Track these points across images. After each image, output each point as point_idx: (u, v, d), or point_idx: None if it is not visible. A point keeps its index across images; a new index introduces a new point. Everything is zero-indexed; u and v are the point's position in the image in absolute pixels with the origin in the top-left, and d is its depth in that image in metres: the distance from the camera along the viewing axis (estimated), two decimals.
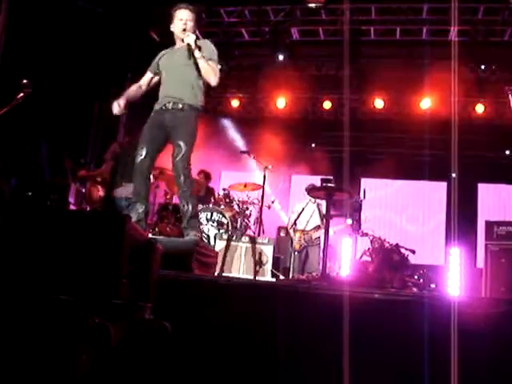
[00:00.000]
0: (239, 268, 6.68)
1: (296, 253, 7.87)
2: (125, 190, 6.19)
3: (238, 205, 7.78)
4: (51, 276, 2.05)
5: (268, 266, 6.74)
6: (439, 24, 9.47)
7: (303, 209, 8.00)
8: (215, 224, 7.42)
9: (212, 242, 7.09)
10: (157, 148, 4.59)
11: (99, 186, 6.73)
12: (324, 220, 6.96)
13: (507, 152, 10.72)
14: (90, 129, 8.98)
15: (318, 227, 7.87)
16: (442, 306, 3.05)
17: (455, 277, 8.23)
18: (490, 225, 6.29)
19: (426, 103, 10.20)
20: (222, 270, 6.43)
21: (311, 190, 6.35)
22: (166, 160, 5.41)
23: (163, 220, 7.26)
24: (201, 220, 6.88)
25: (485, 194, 11.01)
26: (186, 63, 4.50)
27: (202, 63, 4.46)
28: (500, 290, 5.87)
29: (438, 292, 7.77)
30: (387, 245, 7.19)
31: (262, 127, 10.67)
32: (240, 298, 3.21)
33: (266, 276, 6.65)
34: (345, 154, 10.76)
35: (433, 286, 7.93)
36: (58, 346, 1.79)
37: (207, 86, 4.66)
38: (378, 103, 10.42)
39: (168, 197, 7.48)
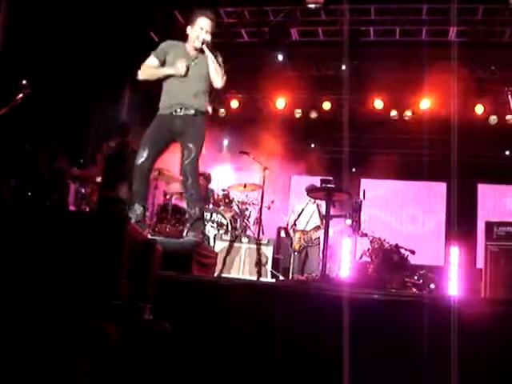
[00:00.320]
0: (239, 269, 6.69)
1: (296, 253, 7.87)
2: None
3: (237, 205, 7.77)
4: (51, 276, 2.05)
5: (268, 267, 6.75)
6: (439, 24, 9.47)
7: (303, 209, 8.00)
8: (215, 225, 7.42)
9: (212, 243, 7.09)
10: (159, 151, 4.62)
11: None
12: (324, 220, 6.96)
13: (507, 152, 10.72)
14: (89, 129, 8.98)
15: (317, 228, 7.87)
16: (441, 307, 3.05)
17: (455, 277, 8.23)
18: (489, 225, 6.27)
19: (425, 104, 10.20)
20: (221, 271, 6.43)
21: (311, 191, 6.35)
22: (165, 161, 5.41)
23: (163, 221, 7.26)
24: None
25: (484, 195, 11.01)
26: (202, 73, 4.55)
27: (213, 63, 4.51)
28: (500, 290, 5.86)
29: (438, 292, 7.78)
30: (387, 245, 7.19)
31: (262, 128, 10.66)
32: (240, 298, 3.21)
33: (266, 277, 6.65)
34: (344, 154, 10.77)
35: (432, 286, 7.93)
36: (58, 347, 1.79)
37: (210, 89, 4.69)
38: (378, 104, 10.43)
39: (167, 197, 7.48)
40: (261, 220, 7.47)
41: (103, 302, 2.05)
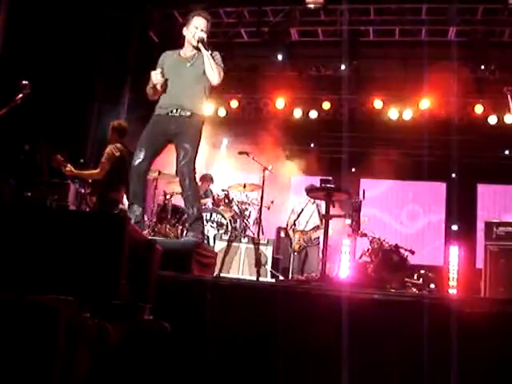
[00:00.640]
0: (239, 269, 6.69)
1: (295, 253, 7.86)
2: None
3: (237, 205, 7.78)
4: (51, 276, 2.05)
5: (267, 267, 6.75)
6: (438, 24, 9.48)
7: (302, 209, 8.00)
8: (214, 225, 7.42)
9: (211, 243, 7.09)
10: (155, 152, 4.63)
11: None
12: (323, 220, 6.96)
13: (506, 152, 10.72)
14: (89, 129, 8.98)
15: (317, 227, 7.87)
16: (441, 307, 3.06)
17: (454, 277, 8.23)
18: (489, 225, 6.28)
19: (425, 103, 10.19)
20: (220, 271, 6.43)
21: (311, 191, 6.35)
22: (164, 161, 5.41)
23: (162, 221, 7.25)
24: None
25: (484, 195, 11.01)
26: (198, 73, 4.56)
27: (209, 61, 4.50)
28: (499, 290, 5.86)
29: (438, 292, 7.78)
30: (386, 245, 7.19)
31: (261, 128, 10.66)
32: (239, 298, 3.21)
33: (266, 277, 6.65)
34: (344, 154, 10.78)
35: (432, 286, 7.94)
36: (58, 347, 1.79)
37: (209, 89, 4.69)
38: (377, 103, 10.42)
39: (167, 198, 7.48)
40: (260, 220, 7.48)
41: (103, 302, 2.06)
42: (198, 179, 6.30)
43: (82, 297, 1.97)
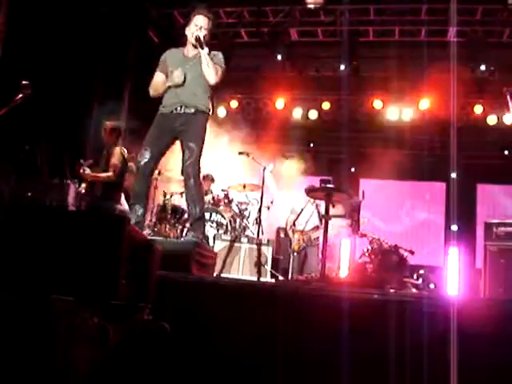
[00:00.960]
0: (238, 269, 6.69)
1: (295, 253, 7.86)
2: None
3: (237, 205, 7.78)
4: (51, 276, 2.05)
5: (267, 267, 6.75)
6: (438, 25, 9.48)
7: (302, 209, 8.00)
8: (214, 225, 7.42)
9: (211, 243, 7.09)
10: (161, 151, 4.63)
11: None
12: (323, 220, 6.96)
13: (506, 152, 10.72)
14: (88, 129, 8.97)
15: (316, 228, 7.87)
16: (441, 307, 3.06)
17: (454, 277, 8.23)
18: (489, 225, 6.28)
19: (424, 104, 10.20)
20: (220, 271, 6.43)
21: (310, 191, 6.35)
22: (164, 161, 5.41)
23: (162, 221, 7.26)
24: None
25: (484, 195, 11.01)
26: (200, 71, 4.56)
27: (205, 59, 4.52)
28: (499, 290, 5.87)
29: (437, 293, 7.79)
30: (386, 246, 7.19)
31: (261, 128, 10.67)
32: (239, 299, 3.21)
33: (266, 277, 6.65)
34: (344, 154, 10.78)
35: (432, 286, 7.94)
36: (58, 346, 1.79)
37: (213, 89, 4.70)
38: (377, 104, 10.42)
39: (167, 198, 7.48)
40: (260, 220, 7.48)
41: (103, 303, 2.06)
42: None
43: (81, 297, 1.97)
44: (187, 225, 4.79)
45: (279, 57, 10.01)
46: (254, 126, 10.84)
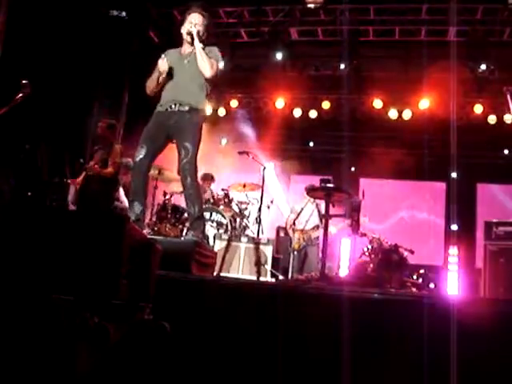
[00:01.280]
0: (238, 268, 6.70)
1: (295, 253, 7.86)
2: None
3: (237, 205, 7.78)
4: (51, 276, 2.06)
5: (267, 266, 6.75)
6: (438, 24, 9.48)
7: (302, 209, 8.00)
8: (214, 224, 7.43)
9: (211, 242, 7.09)
10: (157, 149, 4.63)
11: None
12: (323, 220, 6.97)
13: (506, 152, 10.73)
14: (88, 129, 8.98)
15: (317, 227, 7.87)
16: (440, 306, 3.06)
17: (454, 277, 8.24)
18: (488, 225, 6.29)
19: (424, 103, 10.19)
20: (220, 270, 6.43)
21: (310, 190, 6.36)
22: (164, 160, 5.42)
23: (162, 220, 7.26)
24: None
25: (484, 194, 11.02)
26: (195, 68, 4.56)
27: (199, 53, 4.53)
28: (499, 290, 5.88)
29: (437, 292, 7.79)
30: (386, 245, 7.19)
31: (261, 127, 10.67)
32: (239, 298, 3.22)
33: (266, 276, 6.66)
34: (344, 154, 10.79)
35: (432, 286, 7.95)
36: (58, 346, 1.79)
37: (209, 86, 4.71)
38: (377, 103, 10.42)
39: (167, 197, 7.48)
40: (260, 219, 7.48)
41: (103, 302, 2.06)
42: (198, 178, 6.32)
43: (82, 296, 1.97)
44: (187, 224, 4.80)
45: (279, 56, 10.01)
46: (254, 125, 10.85)
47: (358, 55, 9.88)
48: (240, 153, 8.17)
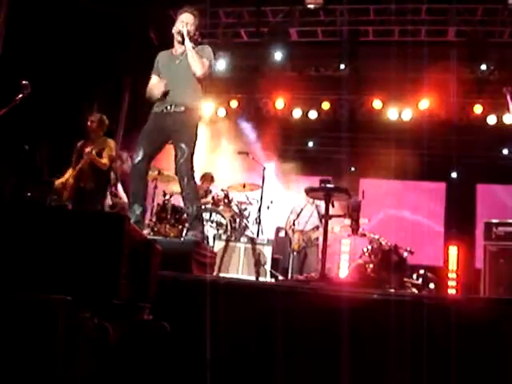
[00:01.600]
0: (238, 268, 6.69)
1: (295, 253, 7.87)
2: None
3: (236, 205, 7.78)
4: (51, 276, 2.06)
5: (267, 267, 6.75)
6: (437, 25, 9.48)
7: (302, 209, 8.00)
8: (214, 224, 7.42)
9: (211, 243, 7.09)
10: (154, 150, 4.66)
11: None
12: (323, 220, 6.96)
13: (505, 152, 10.73)
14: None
15: (316, 228, 7.87)
16: (440, 307, 3.06)
17: (454, 277, 8.24)
18: (488, 225, 6.29)
19: (424, 104, 10.19)
20: (219, 271, 6.43)
21: (310, 191, 6.36)
22: (164, 161, 5.42)
23: (162, 221, 7.26)
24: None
25: (483, 195, 11.02)
26: (187, 68, 4.57)
27: (190, 52, 4.55)
28: (499, 290, 5.88)
29: (437, 293, 7.79)
30: (386, 245, 7.20)
31: (261, 128, 10.67)
32: (239, 298, 3.22)
33: (265, 277, 6.65)
34: (343, 154, 10.78)
35: (432, 286, 7.95)
36: (57, 346, 1.79)
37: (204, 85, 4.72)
38: (377, 104, 10.42)
39: (167, 197, 7.48)
40: (260, 220, 7.48)
41: (103, 302, 2.06)
42: (198, 179, 6.34)
43: (81, 297, 1.97)
44: (187, 224, 4.81)
45: (279, 57, 10.00)
46: (254, 125, 10.85)
47: (357, 55, 9.88)
48: (239, 153, 8.18)
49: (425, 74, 9.41)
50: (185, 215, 6.79)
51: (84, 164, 6.26)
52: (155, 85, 4.69)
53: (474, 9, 9.04)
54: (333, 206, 5.92)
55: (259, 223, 7.47)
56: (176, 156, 4.51)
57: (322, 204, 6.90)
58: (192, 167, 4.53)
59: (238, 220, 7.62)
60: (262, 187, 7.52)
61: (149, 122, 4.69)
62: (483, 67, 9.45)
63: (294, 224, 7.99)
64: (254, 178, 8.38)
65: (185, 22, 4.65)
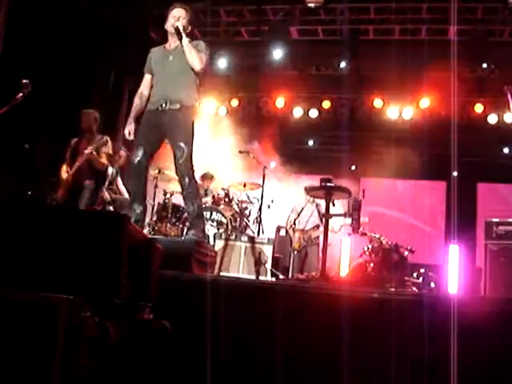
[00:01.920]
0: (238, 268, 6.69)
1: (295, 252, 7.86)
2: None
3: (237, 204, 7.77)
4: (52, 275, 2.06)
5: (267, 266, 6.75)
6: (438, 23, 9.47)
7: (302, 208, 7.99)
8: (214, 223, 7.42)
9: (211, 242, 7.09)
10: (153, 148, 4.66)
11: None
12: (323, 219, 6.96)
13: (506, 151, 10.72)
14: None
15: (317, 226, 7.87)
16: (441, 306, 3.06)
17: (454, 276, 8.22)
18: (489, 224, 6.29)
19: (425, 102, 10.19)
20: (219, 270, 6.43)
21: (311, 190, 6.35)
22: (164, 160, 5.42)
23: (162, 220, 7.26)
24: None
25: (484, 193, 11.01)
26: (182, 64, 4.57)
27: (187, 47, 4.53)
28: (499, 289, 5.87)
29: (438, 291, 7.78)
30: (386, 244, 7.19)
31: (261, 127, 10.66)
32: (240, 297, 3.21)
33: (266, 276, 6.65)
34: (344, 153, 10.77)
35: (432, 285, 7.94)
36: (58, 346, 1.79)
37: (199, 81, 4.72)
38: (377, 102, 10.41)
39: (167, 196, 7.48)
40: (261, 219, 7.48)
41: (104, 301, 2.06)
42: (198, 178, 6.34)
43: (82, 296, 1.97)
44: (187, 223, 4.81)
45: (279, 55, 10.00)
46: (254, 124, 10.84)
47: (358, 54, 9.87)
48: (240, 152, 8.18)
49: (425, 72, 9.40)
50: (185, 214, 6.80)
51: (82, 163, 6.24)
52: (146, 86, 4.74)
53: (475, 8, 9.03)
54: (333, 204, 5.92)
55: (260, 222, 7.47)
56: (175, 156, 4.49)
57: (322, 203, 6.90)
58: (192, 166, 4.52)
59: (238, 219, 7.62)
60: (263, 186, 7.51)
61: (144, 120, 4.67)
62: (484, 66, 9.45)
63: (294, 223, 7.98)
64: (254, 177, 8.37)
65: (177, 16, 4.63)
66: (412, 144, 10.53)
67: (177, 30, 4.56)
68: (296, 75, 10.50)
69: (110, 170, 6.81)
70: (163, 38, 4.86)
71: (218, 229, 7.36)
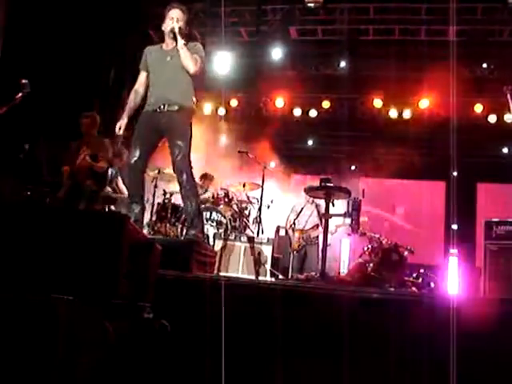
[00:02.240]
0: (238, 268, 6.69)
1: (295, 252, 7.86)
2: None
3: (236, 204, 7.78)
4: (51, 275, 2.06)
5: (267, 266, 6.75)
6: (438, 24, 9.47)
7: (302, 208, 8.00)
8: (214, 223, 7.42)
9: (211, 242, 7.09)
10: (150, 149, 4.67)
11: None
12: (323, 219, 6.96)
13: (506, 151, 10.73)
14: None
15: (316, 226, 7.87)
16: (440, 306, 3.06)
17: (454, 276, 8.22)
18: (489, 224, 6.28)
19: (424, 103, 10.20)
20: (219, 270, 6.43)
21: (310, 190, 6.35)
22: (164, 160, 5.42)
23: (162, 220, 7.26)
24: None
25: (484, 194, 11.01)
26: (179, 65, 4.55)
27: (183, 50, 4.54)
28: (499, 289, 5.87)
29: (437, 291, 7.78)
30: (386, 244, 7.19)
31: (261, 127, 10.67)
32: (239, 297, 3.21)
33: (265, 276, 6.65)
34: (344, 153, 10.78)
35: (432, 285, 7.94)
36: (58, 346, 1.79)
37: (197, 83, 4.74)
38: (377, 103, 10.42)
39: (167, 196, 7.48)
40: (260, 219, 7.48)
41: (103, 302, 2.06)
42: (198, 178, 6.34)
43: (82, 296, 1.97)
44: (187, 223, 4.81)
45: (279, 55, 10.00)
46: (254, 124, 10.84)
47: (357, 54, 9.88)
48: (240, 152, 8.18)
49: (425, 72, 9.40)
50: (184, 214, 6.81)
51: (82, 164, 6.24)
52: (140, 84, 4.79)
53: (474, 8, 9.03)
54: (333, 204, 5.93)
55: (259, 222, 7.47)
56: (173, 155, 4.49)
57: (322, 203, 6.91)
58: (190, 163, 4.52)
59: (238, 219, 7.62)
60: (262, 186, 7.51)
61: (140, 121, 4.69)
62: (483, 66, 9.45)
63: (294, 223, 7.99)
64: (254, 177, 8.37)
65: (175, 18, 4.63)
66: (412, 144, 10.54)
67: (172, 31, 4.57)
68: (295, 75, 10.50)
69: (110, 171, 6.82)
70: (162, 36, 4.85)
71: (218, 229, 7.36)
